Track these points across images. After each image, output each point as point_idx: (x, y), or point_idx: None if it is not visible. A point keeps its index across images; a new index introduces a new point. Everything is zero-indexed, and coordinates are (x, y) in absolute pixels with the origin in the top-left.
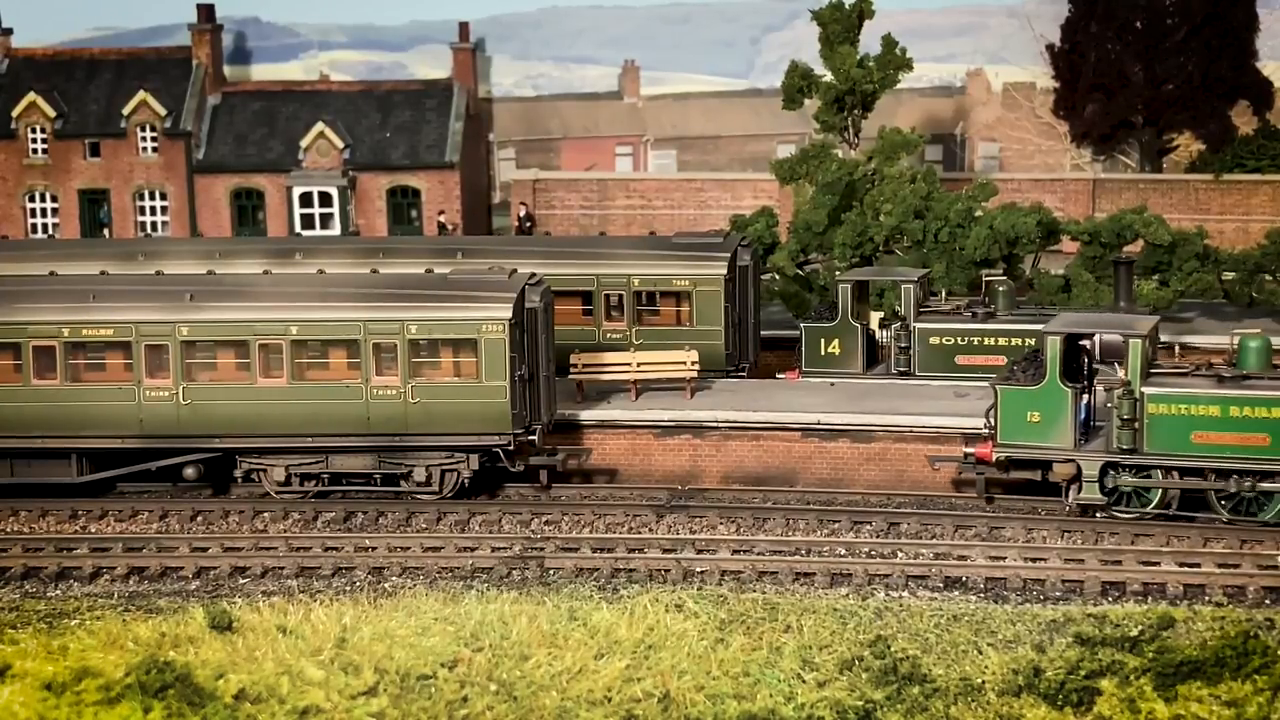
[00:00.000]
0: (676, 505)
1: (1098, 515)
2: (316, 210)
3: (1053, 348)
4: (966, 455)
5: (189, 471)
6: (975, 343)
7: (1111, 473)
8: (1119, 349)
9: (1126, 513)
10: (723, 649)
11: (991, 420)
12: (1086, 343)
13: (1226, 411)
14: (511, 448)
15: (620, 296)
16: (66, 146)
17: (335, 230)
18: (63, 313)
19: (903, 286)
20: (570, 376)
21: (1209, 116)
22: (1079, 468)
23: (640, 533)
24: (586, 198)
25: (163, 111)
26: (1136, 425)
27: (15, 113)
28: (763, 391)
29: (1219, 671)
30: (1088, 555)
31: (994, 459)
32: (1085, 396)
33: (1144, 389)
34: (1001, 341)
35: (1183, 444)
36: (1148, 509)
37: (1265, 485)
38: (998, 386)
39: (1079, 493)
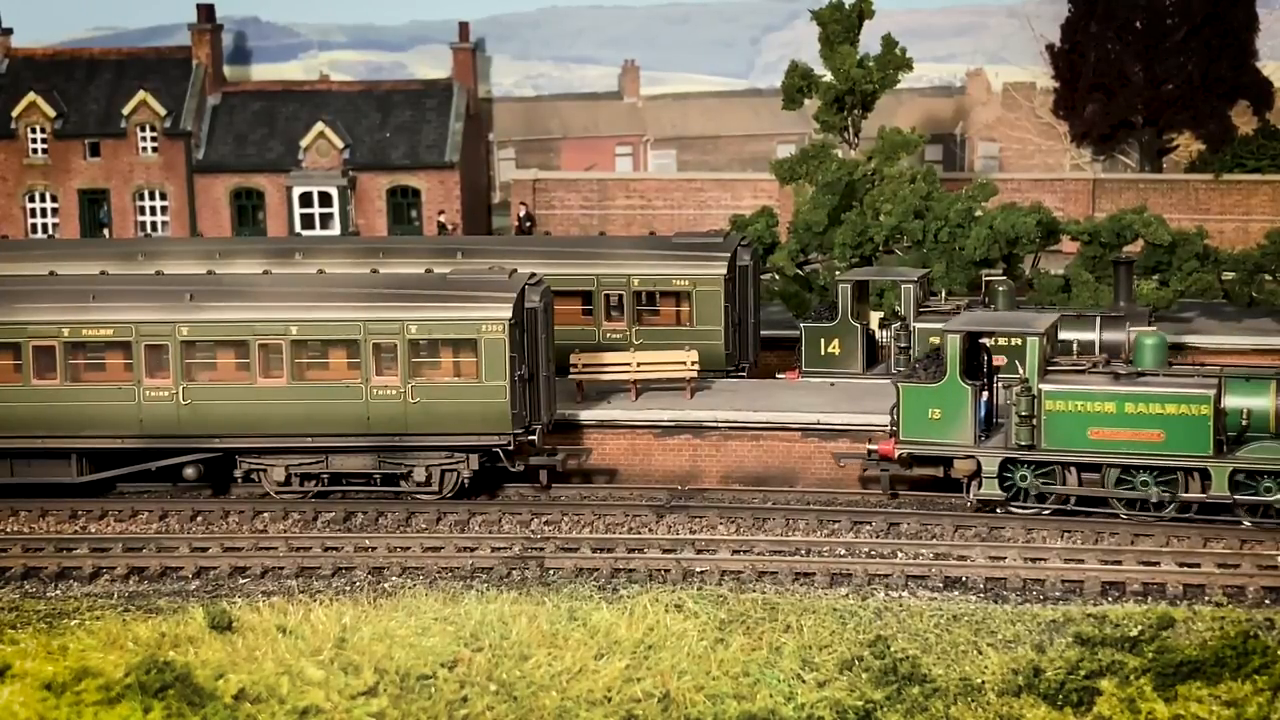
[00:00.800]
0: (676, 505)
1: (997, 511)
2: (316, 210)
3: (952, 346)
4: (870, 452)
5: (189, 471)
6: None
7: (1010, 468)
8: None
9: (1025, 508)
10: (723, 649)
11: (894, 418)
12: (986, 341)
13: (1122, 408)
14: (511, 448)
15: (620, 296)
16: (66, 146)
17: (335, 230)
18: (63, 313)
19: (903, 286)
20: (570, 376)
21: (1209, 116)
22: (979, 464)
23: (640, 533)
24: (586, 198)
25: (163, 111)
26: (1034, 422)
27: (15, 113)
28: (763, 391)
29: (1219, 671)
30: (1087, 555)
31: (896, 456)
32: (985, 394)
33: (1041, 386)
34: (1001, 341)
35: (1080, 440)
36: (1046, 504)
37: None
38: (899, 384)
39: (979, 488)
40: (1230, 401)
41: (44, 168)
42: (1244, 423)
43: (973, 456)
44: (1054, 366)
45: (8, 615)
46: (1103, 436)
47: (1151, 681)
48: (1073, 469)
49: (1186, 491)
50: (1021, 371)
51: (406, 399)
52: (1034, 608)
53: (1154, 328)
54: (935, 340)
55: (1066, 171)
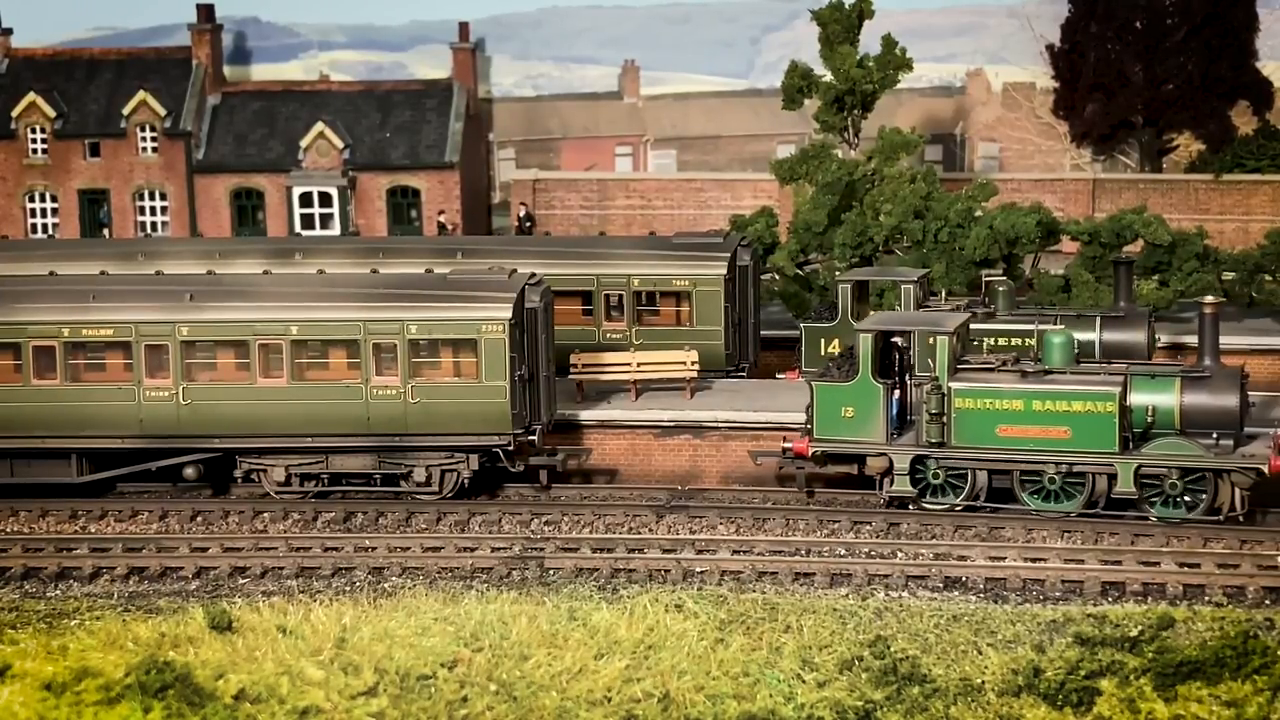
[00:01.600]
0: (676, 505)
1: (910, 507)
2: (316, 210)
3: (864, 345)
4: (785, 450)
5: (189, 471)
6: (975, 343)
7: (921, 465)
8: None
9: (937, 504)
10: (723, 649)
11: (809, 416)
12: (899, 340)
13: (1029, 406)
14: (511, 448)
15: (620, 296)
16: (66, 146)
17: (335, 230)
18: (63, 313)
19: (903, 286)
20: (570, 376)
21: (1209, 116)
22: (891, 461)
23: (640, 533)
24: (586, 198)
25: (163, 111)
26: (944, 420)
27: (15, 113)
28: (763, 391)
29: (1219, 671)
30: (1087, 555)
31: (810, 453)
32: (897, 392)
33: (951, 384)
34: (1001, 341)
35: (988, 437)
36: (958, 501)
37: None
38: (813, 383)
39: (891, 485)
40: (1136, 399)
41: (44, 168)
42: (1149, 420)
43: (885, 454)
44: (964, 365)
45: (8, 615)
46: (1011, 434)
47: (1151, 681)
48: (982, 466)
49: (1094, 488)
50: (932, 369)
51: (406, 399)
52: (1034, 608)
53: (1144, 327)
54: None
55: (1066, 171)
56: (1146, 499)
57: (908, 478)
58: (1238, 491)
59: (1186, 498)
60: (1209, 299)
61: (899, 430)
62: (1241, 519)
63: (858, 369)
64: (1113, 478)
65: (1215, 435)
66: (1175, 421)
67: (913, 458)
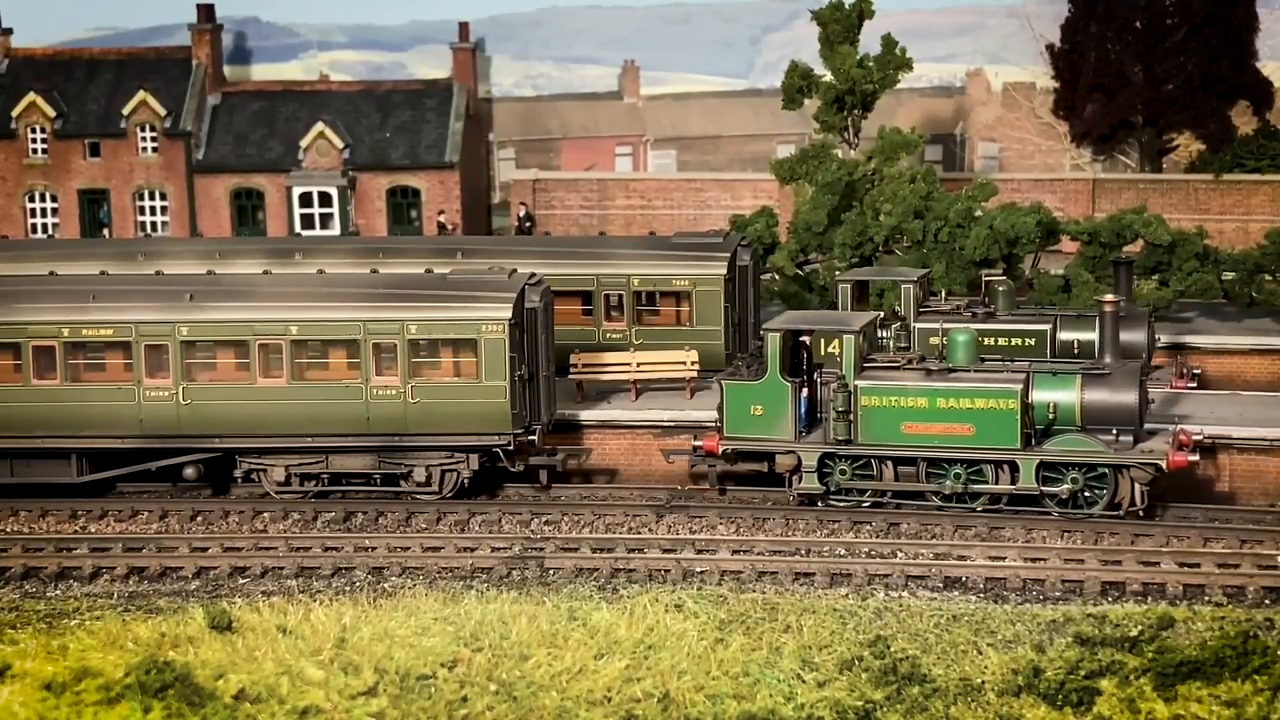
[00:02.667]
0: (676, 505)
1: (818, 505)
2: (316, 210)
3: (773, 344)
4: (695, 448)
5: (189, 471)
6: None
7: (829, 462)
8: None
9: (845, 502)
10: (723, 649)
11: (719, 414)
12: (806, 339)
13: (934, 403)
14: (511, 448)
15: (620, 296)
16: (66, 146)
17: (335, 230)
18: (63, 313)
19: (903, 286)
20: (570, 376)
21: (1209, 116)
22: (799, 459)
23: (640, 533)
24: (586, 198)
25: (163, 111)
26: (851, 418)
27: (15, 113)
28: None
29: (1219, 671)
30: (1087, 555)
31: (720, 451)
32: (805, 390)
33: (857, 382)
34: (1001, 341)
35: (894, 435)
36: (865, 498)
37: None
38: (723, 382)
39: (800, 482)
40: (1037, 396)
41: (44, 168)
42: (1050, 416)
43: (793, 451)
44: (870, 363)
45: (8, 615)
46: (916, 431)
47: (1151, 681)
48: (889, 463)
49: (997, 484)
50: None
51: (406, 399)
52: (1034, 608)
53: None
54: (935, 340)
55: (1066, 171)
56: (1049, 495)
57: (815, 475)
58: (1137, 487)
59: (1087, 493)
60: (1109, 297)
61: (808, 428)
62: (1141, 514)
63: (767, 368)
64: (1016, 474)
65: (1115, 431)
66: (1076, 418)
67: (820, 455)
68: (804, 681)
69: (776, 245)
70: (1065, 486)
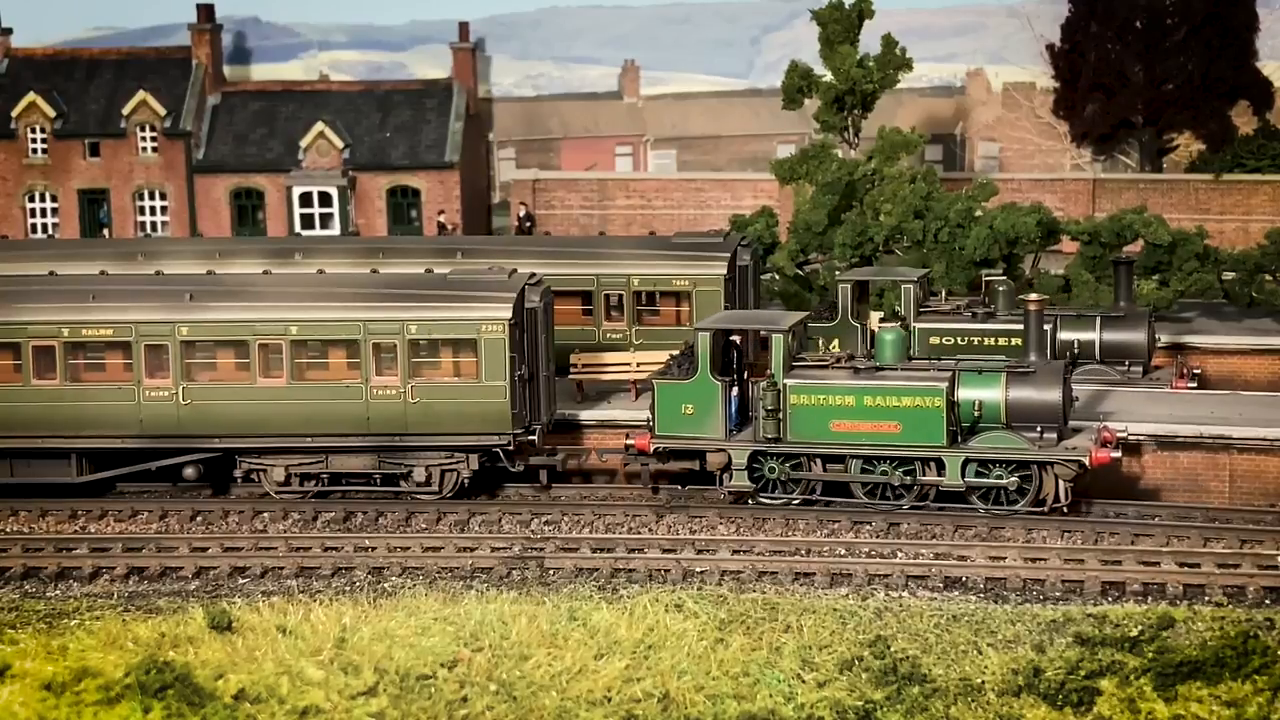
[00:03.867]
0: (676, 505)
1: (749, 503)
2: (316, 210)
3: (703, 343)
4: (628, 447)
5: (189, 471)
6: (975, 343)
7: (759, 460)
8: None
9: (775, 499)
10: (723, 649)
11: (651, 413)
12: (736, 338)
13: (861, 401)
14: (511, 448)
15: (620, 296)
16: (66, 146)
17: (335, 230)
18: (63, 313)
19: (903, 286)
20: (570, 376)
21: (1209, 116)
22: (730, 457)
23: (640, 533)
24: (586, 198)
25: (162, 111)
26: (780, 416)
27: (15, 113)
28: None
29: (1219, 671)
30: (1088, 555)
31: (652, 450)
32: (736, 389)
33: (786, 381)
34: (1001, 341)
35: (823, 432)
36: (794, 495)
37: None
38: (654, 381)
39: (730, 480)
40: (963, 394)
41: (44, 168)
42: (976, 414)
43: (724, 450)
44: (799, 362)
45: (8, 615)
46: (844, 429)
47: (1151, 681)
48: (818, 460)
49: (924, 480)
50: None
51: (406, 399)
52: (1034, 608)
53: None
54: (935, 340)
55: (1066, 171)
56: (975, 491)
57: (745, 473)
58: (1061, 483)
59: (1013, 490)
60: (1034, 296)
61: (739, 427)
62: (1065, 510)
63: (697, 367)
64: (942, 470)
65: (1039, 429)
66: (1001, 415)
67: (751, 453)
68: (804, 681)
69: (776, 245)
70: (990, 482)
